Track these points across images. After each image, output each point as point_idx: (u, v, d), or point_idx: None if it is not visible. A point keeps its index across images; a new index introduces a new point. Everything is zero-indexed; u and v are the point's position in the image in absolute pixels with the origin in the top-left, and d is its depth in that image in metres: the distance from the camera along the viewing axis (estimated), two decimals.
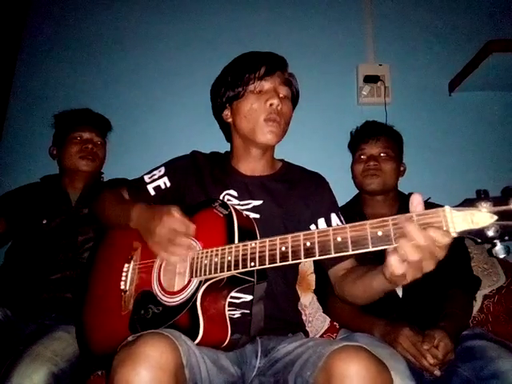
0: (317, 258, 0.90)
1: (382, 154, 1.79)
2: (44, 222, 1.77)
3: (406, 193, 1.86)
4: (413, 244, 0.80)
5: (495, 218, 0.76)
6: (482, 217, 0.77)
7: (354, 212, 1.75)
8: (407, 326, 1.39)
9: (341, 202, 1.52)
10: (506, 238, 0.76)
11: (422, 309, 1.53)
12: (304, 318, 1.71)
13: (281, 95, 1.36)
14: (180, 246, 1.12)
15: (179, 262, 1.14)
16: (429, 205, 1.79)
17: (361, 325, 1.51)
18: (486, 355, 1.29)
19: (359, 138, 1.87)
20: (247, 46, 1.46)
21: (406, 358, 1.34)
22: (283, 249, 0.95)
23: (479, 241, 0.78)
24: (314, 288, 1.79)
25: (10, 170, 2.23)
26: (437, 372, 1.30)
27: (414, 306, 1.53)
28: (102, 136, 1.99)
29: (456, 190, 2.10)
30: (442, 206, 1.67)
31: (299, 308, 1.53)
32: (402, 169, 1.87)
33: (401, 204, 1.80)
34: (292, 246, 0.94)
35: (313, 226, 1.39)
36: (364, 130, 1.88)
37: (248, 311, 1.17)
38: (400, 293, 1.56)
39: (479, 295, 1.74)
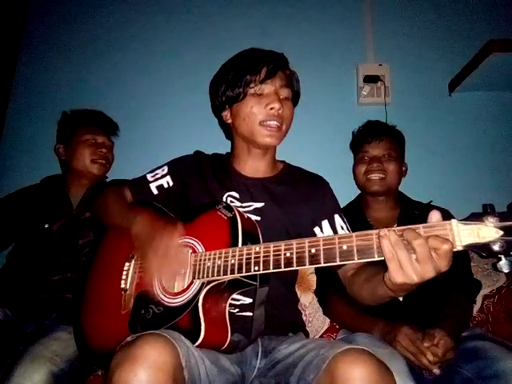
0: (322, 265, 0.91)
1: (384, 155, 1.77)
2: (46, 226, 1.76)
3: (406, 193, 1.87)
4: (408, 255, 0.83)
5: (501, 233, 0.77)
6: (488, 231, 0.78)
7: (355, 214, 1.75)
8: (406, 324, 1.39)
9: (341, 203, 1.52)
10: (511, 253, 0.77)
11: (422, 312, 1.53)
12: (304, 318, 1.71)
13: (281, 97, 1.34)
14: (173, 262, 1.11)
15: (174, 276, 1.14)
16: (431, 207, 1.77)
17: (360, 325, 1.51)
18: (488, 355, 1.30)
19: (361, 138, 1.84)
20: (248, 46, 1.44)
21: (405, 358, 1.33)
22: (288, 254, 0.95)
23: (484, 254, 0.79)
24: (314, 288, 1.79)
25: (11, 169, 2.22)
26: (436, 370, 1.30)
27: (415, 310, 1.53)
28: (111, 140, 1.99)
29: (456, 191, 2.11)
30: (444, 209, 1.66)
31: (299, 308, 1.54)
32: (404, 169, 1.86)
33: (403, 206, 1.79)
34: (297, 253, 0.94)
35: (317, 229, 1.39)
36: (366, 130, 1.86)
37: (247, 314, 1.18)
38: (400, 296, 1.56)
39: (479, 295, 1.74)
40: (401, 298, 1.55)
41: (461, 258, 1.64)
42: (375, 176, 1.75)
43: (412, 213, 1.73)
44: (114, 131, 2.01)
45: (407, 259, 0.83)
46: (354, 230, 0.92)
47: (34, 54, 2.37)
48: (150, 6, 2.41)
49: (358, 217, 1.75)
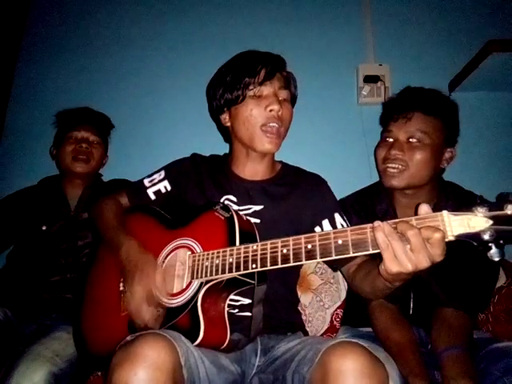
0: (318, 260, 0.92)
1: (411, 140, 1.40)
2: (44, 228, 1.76)
3: None
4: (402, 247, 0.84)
5: (491, 222, 0.79)
6: (479, 221, 0.80)
7: (366, 205, 1.56)
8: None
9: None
10: (501, 241, 0.79)
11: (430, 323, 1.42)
12: (304, 318, 1.71)
13: (280, 98, 1.34)
14: (143, 315, 1.11)
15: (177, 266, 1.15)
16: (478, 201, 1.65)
17: (399, 352, 1.29)
18: None
19: (389, 112, 1.47)
20: (248, 47, 1.45)
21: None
22: (284, 251, 0.97)
23: (475, 244, 0.81)
24: (314, 288, 1.78)
25: (10, 170, 2.23)
26: None
27: (424, 322, 1.45)
28: (101, 135, 1.92)
29: None
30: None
31: (299, 308, 1.53)
32: (447, 156, 1.47)
33: (436, 202, 1.45)
34: (293, 249, 0.96)
35: (317, 228, 1.39)
36: (396, 101, 1.47)
37: (247, 314, 1.19)
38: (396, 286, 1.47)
39: None
40: (410, 312, 1.46)
41: (486, 276, 1.46)
42: (392, 166, 1.42)
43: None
44: (101, 125, 1.93)
45: (401, 248, 0.84)
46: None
47: (33, 54, 2.38)
48: (149, 7, 2.41)
49: (370, 209, 1.52)
